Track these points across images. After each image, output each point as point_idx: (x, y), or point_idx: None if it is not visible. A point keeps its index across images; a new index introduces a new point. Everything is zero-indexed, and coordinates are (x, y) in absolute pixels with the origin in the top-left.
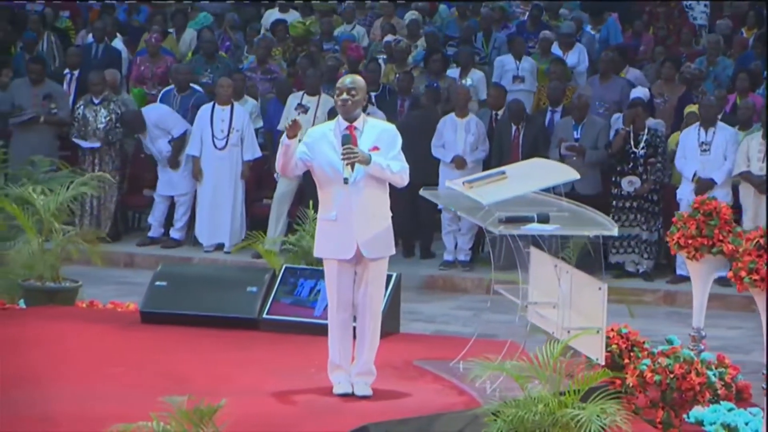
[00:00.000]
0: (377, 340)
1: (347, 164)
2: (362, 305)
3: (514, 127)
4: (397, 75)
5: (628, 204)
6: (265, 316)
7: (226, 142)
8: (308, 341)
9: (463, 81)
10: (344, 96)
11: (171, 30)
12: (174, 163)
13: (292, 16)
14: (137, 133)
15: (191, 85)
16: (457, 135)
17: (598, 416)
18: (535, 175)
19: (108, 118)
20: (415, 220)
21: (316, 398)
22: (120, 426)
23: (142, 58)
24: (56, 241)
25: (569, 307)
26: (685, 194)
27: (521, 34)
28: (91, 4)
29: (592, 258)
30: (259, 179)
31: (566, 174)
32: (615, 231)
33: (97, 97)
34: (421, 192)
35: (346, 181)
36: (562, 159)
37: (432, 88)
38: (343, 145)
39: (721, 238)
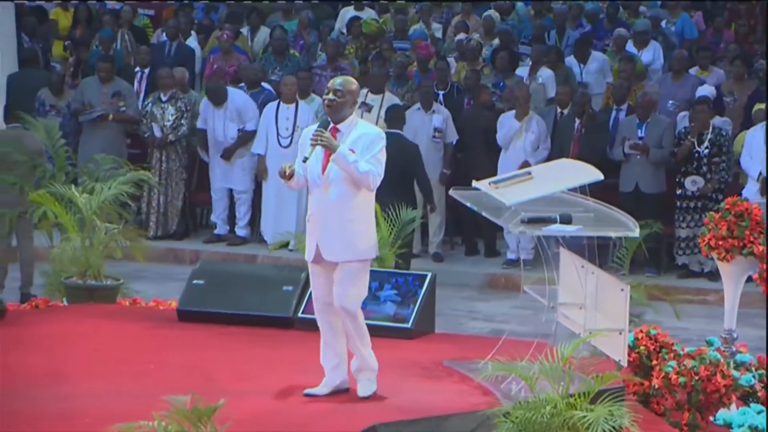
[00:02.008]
0: (364, 335)
1: (311, 145)
2: (339, 307)
3: (577, 122)
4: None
5: (692, 204)
6: (300, 315)
7: (291, 140)
8: None
9: (533, 79)
10: (330, 96)
11: (243, 29)
12: (229, 153)
13: (368, 14)
14: (216, 104)
15: (262, 83)
16: (517, 134)
17: (606, 418)
18: (560, 176)
19: (175, 116)
20: (476, 218)
21: (336, 397)
22: (122, 425)
23: (215, 57)
24: (98, 239)
25: (595, 308)
26: (751, 194)
27: (598, 31)
28: (169, 3)
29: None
30: None
31: (591, 175)
32: (637, 232)
33: (165, 95)
34: (451, 192)
35: (305, 160)
36: (626, 157)
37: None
38: (318, 127)
39: (752, 239)
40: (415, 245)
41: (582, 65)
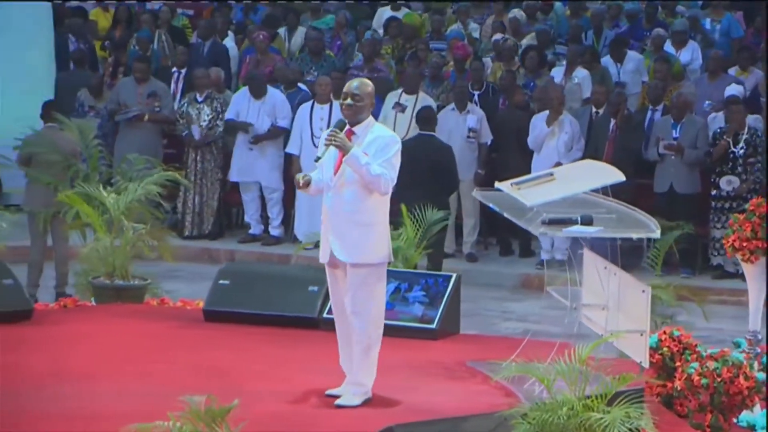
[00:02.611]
0: (368, 349)
1: (325, 145)
2: (348, 310)
3: (612, 122)
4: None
5: (727, 204)
6: (325, 315)
7: None
8: None
9: (569, 79)
10: (348, 101)
11: (280, 30)
12: (259, 139)
13: (404, 13)
14: (256, 96)
15: (298, 84)
16: (549, 134)
17: (622, 420)
18: (582, 177)
19: (211, 116)
20: None
21: None
22: (137, 425)
23: (251, 57)
24: (126, 239)
25: (617, 309)
26: None
27: (635, 31)
28: (207, 4)
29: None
30: None
31: (613, 176)
32: (658, 233)
33: (201, 95)
34: (473, 193)
35: (317, 159)
36: (660, 158)
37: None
38: (333, 127)
39: None
40: (449, 245)
41: (618, 65)
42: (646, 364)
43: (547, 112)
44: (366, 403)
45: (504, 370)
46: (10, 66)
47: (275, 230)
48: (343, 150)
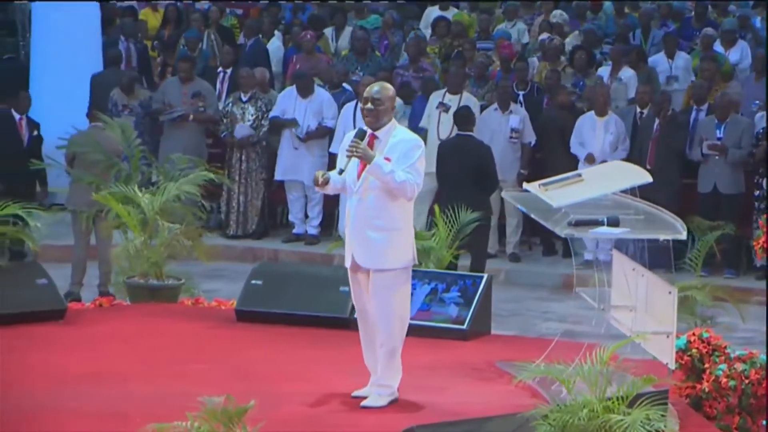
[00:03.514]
0: (394, 351)
1: (347, 156)
2: (372, 314)
3: (656, 123)
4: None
5: None
6: (356, 315)
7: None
8: None
9: (615, 79)
10: (369, 105)
11: (327, 30)
12: (309, 137)
13: (453, 14)
14: (303, 95)
15: (343, 84)
16: (596, 134)
17: (642, 422)
18: (609, 178)
19: (255, 116)
20: None
21: None
22: (156, 425)
23: (297, 57)
24: (161, 238)
25: (645, 310)
26: None
27: (685, 30)
28: (256, 3)
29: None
30: None
31: (640, 177)
32: (684, 234)
33: (246, 95)
34: (502, 194)
35: (340, 172)
36: (704, 158)
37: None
38: (354, 137)
39: None
40: (492, 246)
41: (670, 60)
42: (672, 366)
43: (592, 112)
44: (392, 403)
45: (525, 371)
46: (59, 67)
47: (313, 229)
48: (366, 160)
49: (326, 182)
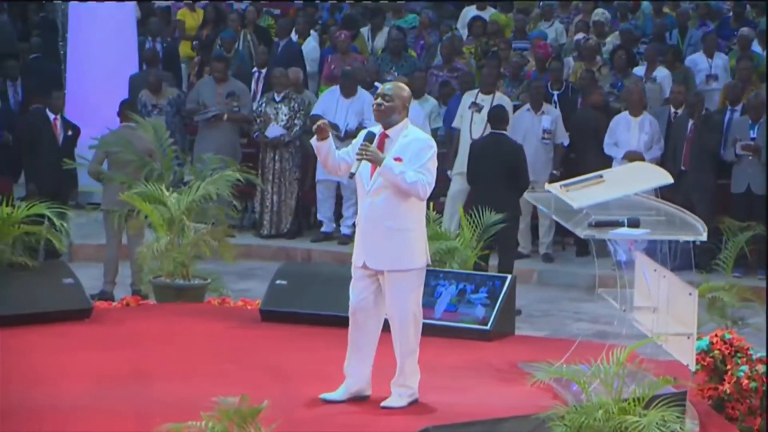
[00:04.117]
0: (412, 353)
1: (357, 159)
2: (388, 316)
3: (690, 123)
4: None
5: None
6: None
7: None
8: (422, 342)
9: (650, 79)
10: (378, 100)
11: (364, 29)
12: (350, 136)
13: (490, 14)
14: (347, 95)
15: (375, 84)
16: (630, 134)
17: (657, 424)
18: (631, 179)
19: (288, 116)
20: None
21: None
22: (170, 425)
23: (332, 57)
24: (187, 238)
25: (666, 311)
26: None
27: (722, 30)
28: (294, 4)
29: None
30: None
31: (662, 178)
32: (704, 236)
33: (279, 95)
34: (525, 195)
35: (351, 176)
36: (737, 158)
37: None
38: (363, 140)
39: None
40: (525, 246)
41: (710, 60)
42: (692, 367)
43: (626, 112)
44: (412, 404)
45: (541, 372)
46: (95, 67)
47: (347, 229)
48: (375, 162)
49: (326, 135)
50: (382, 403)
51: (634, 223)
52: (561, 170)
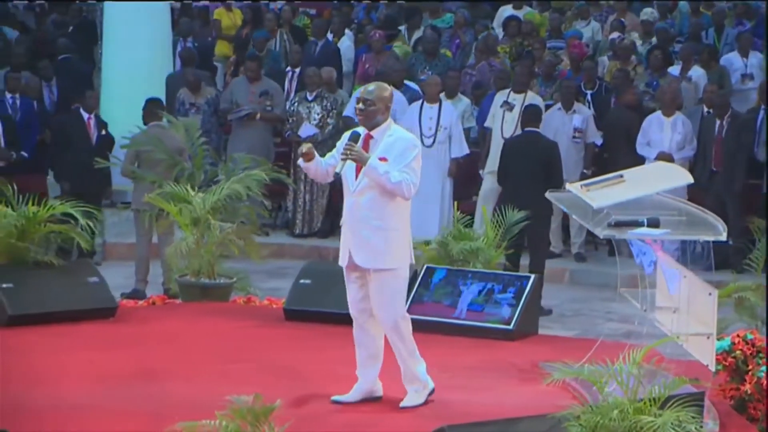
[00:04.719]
0: (407, 346)
1: (342, 159)
2: (377, 318)
3: (717, 123)
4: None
5: None
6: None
7: (434, 140)
8: (443, 341)
9: (684, 78)
10: (360, 105)
11: (401, 27)
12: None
13: (525, 13)
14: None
15: (405, 82)
16: (662, 134)
17: (672, 424)
18: (651, 179)
19: (321, 115)
20: None
21: None
22: (185, 423)
23: (367, 56)
24: (212, 237)
25: (687, 311)
26: None
27: (760, 29)
28: (329, 4)
29: None
30: (467, 176)
31: (682, 177)
32: (724, 236)
33: (312, 94)
34: (547, 194)
35: (336, 175)
36: None
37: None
38: (348, 140)
39: None
40: (557, 245)
41: (745, 59)
42: (712, 368)
43: (659, 112)
44: (431, 395)
45: (557, 372)
46: (130, 66)
47: None
48: (360, 162)
49: (310, 156)
50: (402, 404)
51: (654, 223)
52: (593, 169)
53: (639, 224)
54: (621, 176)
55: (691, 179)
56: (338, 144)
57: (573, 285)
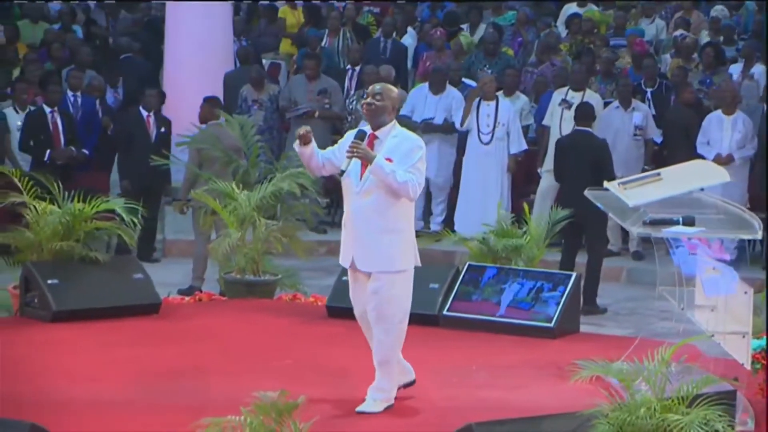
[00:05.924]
0: (387, 362)
1: (347, 157)
2: (372, 318)
3: None
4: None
5: None
6: (445, 312)
7: (492, 137)
8: (485, 339)
9: (746, 75)
10: (369, 100)
11: (463, 26)
12: (431, 128)
13: (588, 9)
14: (436, 91)
15: (463, 80)
16: (723, 132)
17: (699, 423)
18: (688, 177)
19: None
20: None
21: (440, 393)
22: (211, 419)
23: (428, 54)
24: (258, 234)
25: (724, 310)
26: None
27: None
28: (392, 3)
29: None
30: (526, 174)
31: (718, 176)
32: (759, 234)
33: None
34: (586, 192)
35: (341, 173)
36: None
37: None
38: (354, 138)
39: None
40: (615, 243)
41: None
42: (747, 366)
43: (719, 110)
44: (388, 409)
45: (585, 370)
46: (191, 65)
47: (437, 226)
48: (366, 160)
49: (307, 140)
50: (357, 408)
51: (689, 222)
52: (652, 166)
53: (674, 222)
54: (658, 174)
55: (728, 178)
56: (341, 141)
57: (630, 284)
